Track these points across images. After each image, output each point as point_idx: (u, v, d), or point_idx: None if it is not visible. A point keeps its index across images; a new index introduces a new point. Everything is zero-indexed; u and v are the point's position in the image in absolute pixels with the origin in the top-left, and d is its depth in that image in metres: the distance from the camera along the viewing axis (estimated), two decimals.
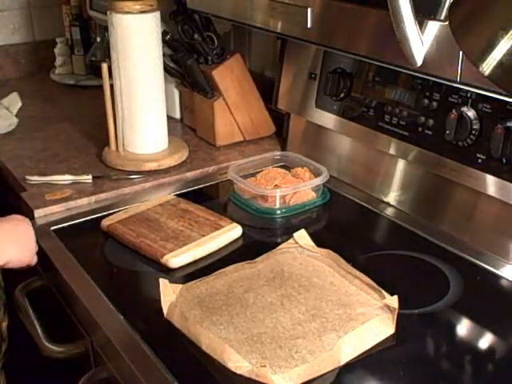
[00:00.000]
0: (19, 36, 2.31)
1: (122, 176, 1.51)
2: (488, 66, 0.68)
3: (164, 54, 1.58)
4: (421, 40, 0.99)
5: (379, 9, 1.04)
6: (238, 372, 0.90)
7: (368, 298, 1.04)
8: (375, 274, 1.09)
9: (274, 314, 1.01)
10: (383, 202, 1.40)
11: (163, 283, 1.06)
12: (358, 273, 1.10)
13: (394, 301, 0.99)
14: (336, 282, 1.09)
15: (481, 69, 0.69)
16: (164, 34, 1.59)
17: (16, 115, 1.88)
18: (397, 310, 0.98)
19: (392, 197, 1.39)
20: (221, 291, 1.07)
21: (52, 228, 1.32)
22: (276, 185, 1.40)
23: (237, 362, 0.90)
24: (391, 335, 0.98)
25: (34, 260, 1.20)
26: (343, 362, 0.92)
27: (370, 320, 0.97)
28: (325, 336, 0.95)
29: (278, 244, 1.22)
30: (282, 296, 1.06)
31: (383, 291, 1.04)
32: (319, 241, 1.21)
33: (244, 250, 1.25)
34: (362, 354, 0.94)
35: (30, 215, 1.33)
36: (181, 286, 1.08)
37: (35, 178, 1.48)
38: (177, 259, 1.17)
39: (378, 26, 1.08)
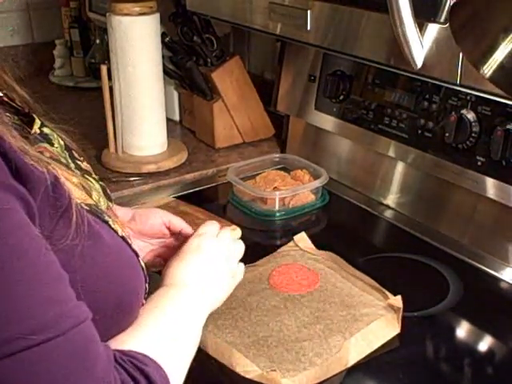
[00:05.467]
0: (18, 38, 2.30)
1: (121, 178, 1.51)
2: (489, 68, 0.69)
3: (163, 56, 1.58)
4: (421, 42, 0.99)
5: (379, 11, 1.04)
6: (248, 376, 0.89)
7: (371, 298, 1.04)
8: (375, 277, 1.09)
9: (278, 317, 1.01)
10: (383, 204, 1.40)
11: None
12: (359, 274, 1.10)
13: (397, 301, 0.99)
14: (338, 284, 1.09)
15: (482, 71, 0.69)
16: (163, 36, 1.59)
17: None
18: (401, 310, 0.98)
19: (391, 199, 1.39)
20: None
21: None
22: (275, 187, 1.40)
23: (245, 367, 0.90)
24: (396, 336, 0.97)
25: None
26: (350, 363, 0.92)
27: (375, 321, 0.97)
28: (331, 338, 0.95)
29: (278, 246, 1.21)
30: (284, 299, 1.05)
31: (386, 291, 1.03)
32: (319, 243, 1.21)
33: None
34: (369, 355, 0.94)
35: None
36: None
37: None
38: None
39: (377, 28, 1.08)
